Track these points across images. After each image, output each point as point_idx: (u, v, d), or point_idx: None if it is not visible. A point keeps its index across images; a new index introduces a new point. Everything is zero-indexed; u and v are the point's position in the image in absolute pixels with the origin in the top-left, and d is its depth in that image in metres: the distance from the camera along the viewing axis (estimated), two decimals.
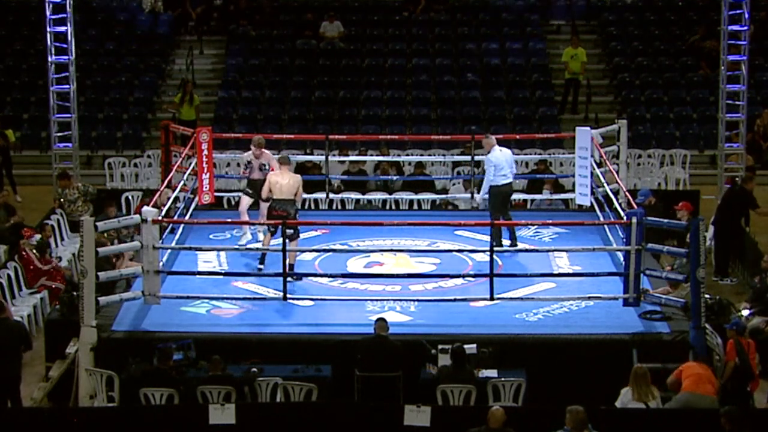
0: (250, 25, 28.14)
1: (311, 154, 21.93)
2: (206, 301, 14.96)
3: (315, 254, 16.51)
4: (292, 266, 15.50)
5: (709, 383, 12.65)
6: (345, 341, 13.82)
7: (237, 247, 16.36)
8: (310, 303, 14.89)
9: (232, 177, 21.63)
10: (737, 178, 19.87)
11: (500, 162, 16.81)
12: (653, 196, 18.38)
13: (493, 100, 26.22)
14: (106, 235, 15.57)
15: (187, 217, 17.82)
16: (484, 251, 15.46)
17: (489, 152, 16.96)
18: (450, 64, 27.14)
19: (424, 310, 14.77)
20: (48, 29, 21.29)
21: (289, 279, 15.06)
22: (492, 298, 14.55)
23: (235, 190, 20.55)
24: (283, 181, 15.93)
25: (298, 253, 15.81)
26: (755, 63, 24.61)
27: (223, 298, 15.00)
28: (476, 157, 19.15)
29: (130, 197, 20.66)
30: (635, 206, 15.43)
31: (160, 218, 14.84)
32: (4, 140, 23.16)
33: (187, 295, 14.88)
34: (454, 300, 14.88)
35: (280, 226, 15.20)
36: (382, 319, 13.64)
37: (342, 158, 21.33)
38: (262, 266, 15.80)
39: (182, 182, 18.05)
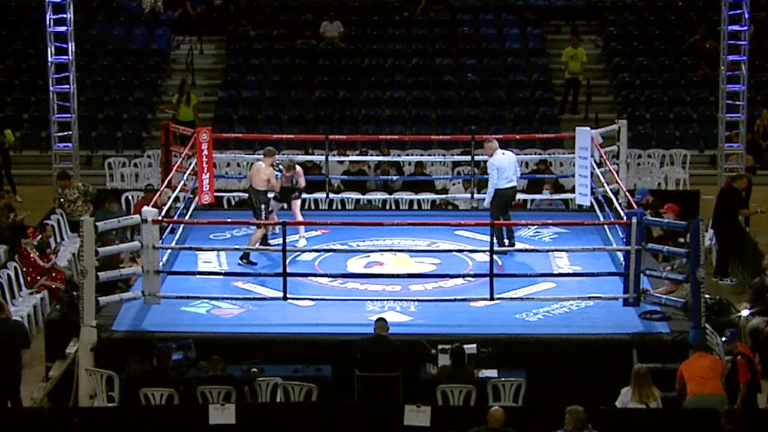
0: (250, 25, 28.15)
1: (311, 154, 21.93)
2: (206, 301, 14.96)
3: (315, 254, 16.52)
4: (247, 254, 16.32)
5: (711, 378, 12.51)
6: (345, 341, 13.82)
7: (237, 247, 16.35)
8: (310, 303, 14.89)
9: (232, 177, 21.65)
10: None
11: (503, 165, 16.66)
12: (650, 195, 18.39)
13: (493, 100, 26.21)
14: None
15: (187, 217, 17.82)
16: (484, 251, 15.47)
17: (491, 156, 16.84)
18: (450, 64, 27.14)
19: (424, 310, 14.77)
20: (48, 29, 21.30)
21: (239, 262, 16.08)
22: (492, 298, 14.55)
23: (235, 191, 20.57)
24: (254, 173, 16.70)
25: (257, 241, 16.48)
26: (755, 63, 24.60)
27: (223, 298, 15.00)
28: (476, 157, 19.14)
29: (130, 197, 20.66)
30: (635, 206, 15.43)
31: (160, 218, 14.85)
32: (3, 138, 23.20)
33: (187, 295, 14.88)
34: (454, 300, 14.88)
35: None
36: (382, 319, 13.64)
37: (342, 158, 21.34)
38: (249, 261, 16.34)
39: (182, 182, 18.05)
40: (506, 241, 16.69)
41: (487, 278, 14.63)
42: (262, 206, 16.59)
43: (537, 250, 16.44)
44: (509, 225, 16.86)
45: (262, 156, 17.18)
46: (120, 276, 14.78)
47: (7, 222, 18.81)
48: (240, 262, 16.26)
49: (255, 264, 16.23)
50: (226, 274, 15.76)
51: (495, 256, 14.90)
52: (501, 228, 16.48)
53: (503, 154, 16.85)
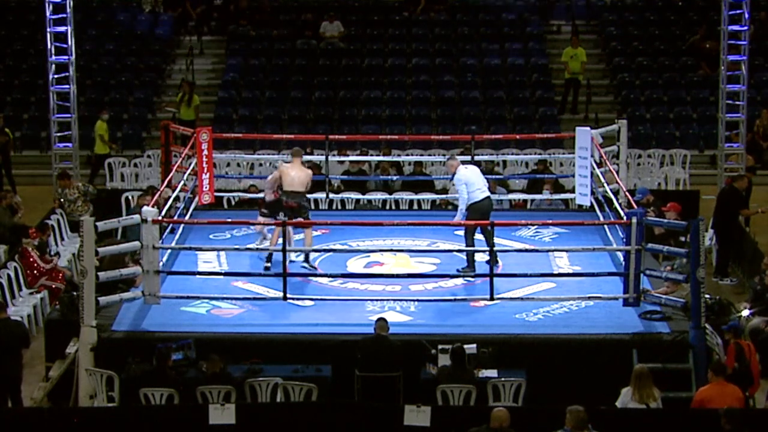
0: (250, 25, 28.16)
1: (311, 154, 21.93)
2: (206, 301, 14.95)
3: (315, 254, 16.51)
4: (307, 255, 15.88)
5: (730, 399, 12.17)
6: (345, 341, 13.82)
7: (237, 247, 16.34)
8: (310, 303, 14.89)
9: (232, 177, 21.65)
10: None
11: (470, 178, 16.06)
12: (651, 195, 18.40)
13: (493, 100, 26.22)
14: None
15: (187, 217, 17.82)
16: (484, 251, 15.48)
17: (454, 173, 16.17)
18: (450, 64, 27.15)
19: (424, 310, 14.76)
20: (48, 29, 21.32)
21: (304, 265, 15.74)
22: (492, 298, 14.55)
23: (235, 190, 20.57)
24: (294, 174, 16.07)
25: (312, 242, 16.12)
26: (755, 63, 24.62)
27: (223, 298, 15.00)
28: (476, 157, 19.11)
29: (130, 197, 20.66)
30: (635, 206, 15.43)
31: (160, 218, 14.84)
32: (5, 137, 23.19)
33: (187, 295, 14.87)
34: (454, 300, 14.88)
35: (285, 217, 15.62)
36: (382, 319, 13.64)
37: (342, 158, 21.34)
38: (269, 264, 15.86)
39: (182, 182, 18.05)
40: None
41: (487, 278, 14.63)
42: (304, 206, 16.18)
43: (537, 250, 16.42)
44: (509, 225, 16.86)
45: (274, 159, 16.91)
46: (120, 276, 14.77)
47: (11, 221, 18.81)
48: (304, 265, 15.90)
49: (316, 268, 15.91)
50: (226, 274, 15.75)
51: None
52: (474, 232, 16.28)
53: (466, 168, 16.30)
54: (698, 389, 12.69)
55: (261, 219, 16.58)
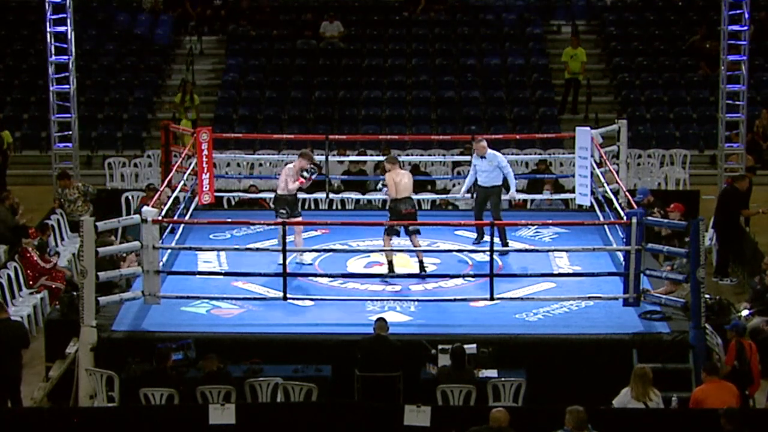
0: (250, 25, 28.16)
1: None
2: (206, 301, 14.95)
3: (315, 254, 16.51)
4: (421, 262, 15.69)
5: (726, 396, 12.21)
6: (345, 341, 13.82)
7: (237, 247, 16.33)
8: (310, 303, 14.89)
9: (232, 177, 21.65)
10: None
11: None
12: (651, 196, 18.41)
13: (493, 100, 26.22)
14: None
15: (187, 217, 17.82)
16: (484, 251, 15.47)
17: (486, 152, 16.85)
18: (450, 64, 27.15)
19: (424, 310, 14.76)
20: (48, 29, 21.30)
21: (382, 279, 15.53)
22: (492, 298, 14.54)
23: (235, 190, 20.57)
24: (407, 179, 16.00)
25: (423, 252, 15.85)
26: (755, 63, 24.62)
27: (223, 298, 15.00)
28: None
29: (130, 197, 20.66)
30: (635, 206, 15.43)
31: (160, 218, 14.84)
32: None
33: (187, 295, 14.87)
34: (454, 300, 14.88)
35: (402, 226, 15.58)
36: (382, 319, 13.64)
37: (342, 158, 21.34)
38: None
39: (182, 182, 18.05)
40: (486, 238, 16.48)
41: (487, 278, 14.62)
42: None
43: (537, 250, 16.43)
44: (509, 225, 16.85)
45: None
46: (120, 276, 14.78)
47: (14, 221, 18.81)
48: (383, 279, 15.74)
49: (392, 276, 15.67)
50: (226, 274, 15.75)
51: (495, 256, 14.90)
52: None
53: None
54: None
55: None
